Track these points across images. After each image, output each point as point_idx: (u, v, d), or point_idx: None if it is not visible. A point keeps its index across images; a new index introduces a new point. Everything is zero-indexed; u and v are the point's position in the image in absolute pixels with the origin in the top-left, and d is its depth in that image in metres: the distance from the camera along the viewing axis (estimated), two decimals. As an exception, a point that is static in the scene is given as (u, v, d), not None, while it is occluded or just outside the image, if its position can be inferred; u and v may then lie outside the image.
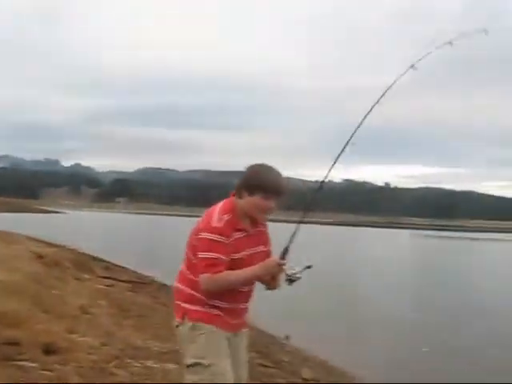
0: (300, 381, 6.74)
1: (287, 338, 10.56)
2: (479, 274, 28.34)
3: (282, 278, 3.06)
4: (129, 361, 5.97)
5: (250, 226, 3.06)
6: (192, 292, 2.99)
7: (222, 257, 2.89)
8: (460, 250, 51.53)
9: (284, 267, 3.01)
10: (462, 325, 13.81)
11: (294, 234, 3.10)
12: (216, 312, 2.98)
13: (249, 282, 3.03)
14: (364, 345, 11.23)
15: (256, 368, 6.38)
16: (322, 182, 3.35)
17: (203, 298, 2.96)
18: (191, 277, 3.01)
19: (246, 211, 3.00)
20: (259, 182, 2.96)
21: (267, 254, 3.13)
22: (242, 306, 3.09)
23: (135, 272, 17.66)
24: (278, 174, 3.03)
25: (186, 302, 3.01)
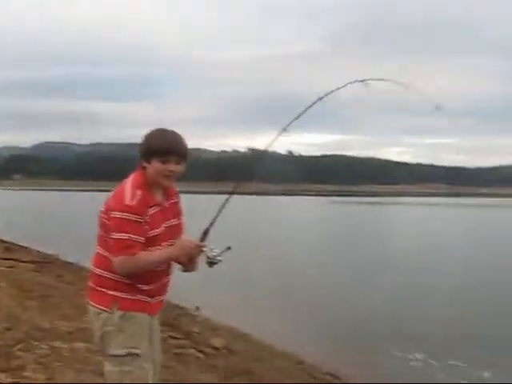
0: (209, 350, 6.86)
1: (197, 308, 10.69)
2: (386, 235, 29.96)
3: (202, 259, 2.98)
4: (35, 343, 5.83)
5: (164, 199, 2.94)
6: (118, 278, 2.83)
7: (136, 237, 2.76)
8: (366, 214, 54.21)
9: (204, 249, 2.92)
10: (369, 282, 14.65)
11: (219, 212, 3.01)
12: (146, 299, 2.88)
13: (165, 264, 2.92)
14: (277, 313, 11.63)
15: (167, 340, 6.43)
16: (263, 151, 3.26)
17: (132, 284, 2.83)
18: (108, 255, 2.85)
19: (152, 180, 2.86)
20: (150, 146, 2.84)
21: (181, 227, 3.05)
22: (165, 280, 2.99)
23: (38, 251, 17.06)
24: (171, 135, 2.88)
25: (115, 289, 2.84)
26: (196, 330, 8.07)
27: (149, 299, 2.89)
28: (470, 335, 9.82)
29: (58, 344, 6.01)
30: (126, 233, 2.73)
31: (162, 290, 2.99)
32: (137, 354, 2.79)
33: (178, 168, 2.88)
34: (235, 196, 3.10)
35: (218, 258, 2.93)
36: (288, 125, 3.14)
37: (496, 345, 9.23)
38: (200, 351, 6.62)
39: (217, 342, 7.40)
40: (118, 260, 2.75)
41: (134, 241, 2.74)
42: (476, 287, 14.70)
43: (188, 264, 2.97)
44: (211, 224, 2.99)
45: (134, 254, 2.74)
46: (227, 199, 3.07)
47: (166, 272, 2.98)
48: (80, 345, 6.08)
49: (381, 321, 10.92)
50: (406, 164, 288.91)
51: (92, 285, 2.93)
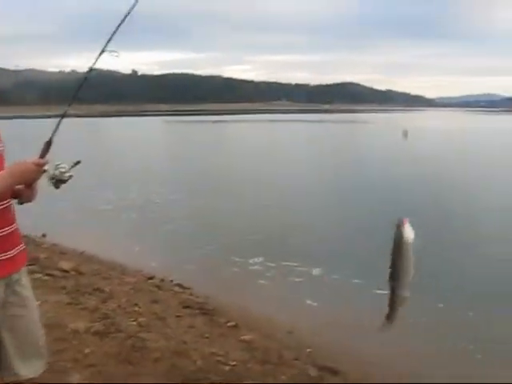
0: (57, 272, 6.91)
1: (44, 236, 10.53)
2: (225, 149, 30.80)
3: (43, 182, 2.48)
4: None
5: None
6: None
7: None
8: (206, 132, 55.05)
9: (46, 168, 2.40)
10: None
11: (56, 128, 2.56)
12: None
13: (1, 197, 2.34)
14: (122, 234, 11.81)
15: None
16: (89, 71, 2.81)
17: None
18: None
19: None
20: None
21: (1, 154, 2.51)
22: (8, 231, 2.41)
23: None
24: None
25: None
26: (43, 255, 8.01)
27: None
28: (302, 241, 10.85)
29: None
30: None
31: (9, 243, 2.42)
32: None
33: None
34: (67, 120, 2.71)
35: (68, 174, 2.47)
36: (106, 45, 2.73)
37: (325, 248, 10.26)
38: (48, 274, 6.64)
39: (65, 264, 7.44)
40: None
41: None
42: (309, 195, 15.98)
43: (23, 192, 2.47)
44: (52, 135, 2.54)
45: None
46: (59, 122, 2.63)
47: (5, 219, 2.42)
48: None
49: (223, 233, 11.56)
50: (250, 82, 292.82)
51: None
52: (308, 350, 5.70)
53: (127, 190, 17.00)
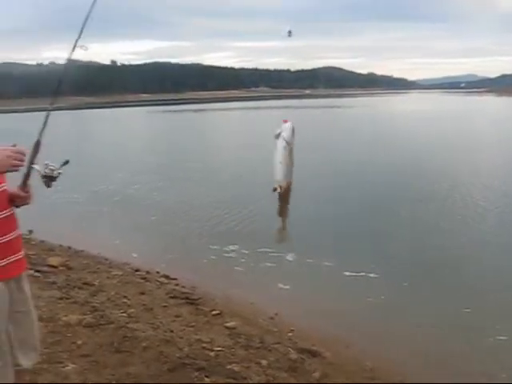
0: (47, 268, 7.15)
1: (31, 232, 10.67)
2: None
3: (33, 181, 2.66)
4: None
5: None
6: None
7: None
8: (195, 120, 55.15)
9: (35, 166, 2.62)
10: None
11: (44, 125, 2.70)
12: None
13: None
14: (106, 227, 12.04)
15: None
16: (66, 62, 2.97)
17: None
18: None
19: None
20: None
21: None
22: (10, 237, 2.60)
23: None
24: None
25: None
26: (32, 252, 8.23)
27: None
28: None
29: None
30: None
31: (11, 247, 2.62)
32: None
33: None
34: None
35: (58, 171, 2.67)
36: (78, 38, 2.86)
37: (301, 235, 10.64)
38: (37, 271, 6.88)
39: (54, 260, 7.67)
40: None
41: None
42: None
43: (18, 196, 2.68)
44: (41, 135, 2.68)
45: None
46: (46, 120, 2.74)
47: (8, 228, 2.61)
48: None
49: (199, 221, 11.90)
50: (230, 69, 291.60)
51: None
52: (289, 334, 6.04)
53: (106, 183, 17.21)
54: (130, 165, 21.51)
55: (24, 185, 2.70)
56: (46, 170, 2.64)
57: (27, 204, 2.75)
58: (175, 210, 13.00)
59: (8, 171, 2.53)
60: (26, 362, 2.81)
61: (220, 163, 21.46)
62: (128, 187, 16.38)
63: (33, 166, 2.62)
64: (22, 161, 2.50)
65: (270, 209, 12.81)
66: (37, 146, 2.62)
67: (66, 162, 2.70)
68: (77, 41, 2.85)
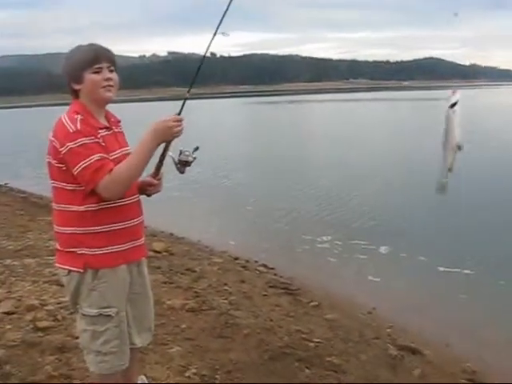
0: (151, 253, 7.40)
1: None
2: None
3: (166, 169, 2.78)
4: (-15, 263, 6.21)
5: (109, 125, 2.69)
6: (83, 231, 2.56)
7: (101, 154, 2.47)
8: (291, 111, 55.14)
9: (169, 153, 2.74)
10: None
11: (180, 111, 2.70)
12: (119, 247, 2.64)
13: (147, 159, 2.53)
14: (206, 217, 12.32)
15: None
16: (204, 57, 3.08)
17: (101, 234, 2.58)
18: (74, 208, 2.56)
19: (91, 100, 2.59)
20: (76, 60, 2.57)
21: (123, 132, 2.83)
22: (136, 222, 2.73)
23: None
24: (94, 44, 2.63)
25: (82, 246, 2.57)
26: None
27: (123, 246, 2.67)
28: (373, 221, 11.03)
29: (8, 262, 6.41)
30: (88, 156, 2.44)
31: (136, 232, 2.75)
32: (110, 315, 2.65)
33: (114, 76, 2.62)
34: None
35: (192, 156, 2.78)
36: (218, 26, 2.89)
37: (394, 228, 10.35)
38: (143, 256, 7.14)
39: (157, 246, 7.96)
40: (101, 185, 2.45)
41: (101, 158, 2.46)
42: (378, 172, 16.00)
43: (150, 184, 2.85)
44: (179, 113, 2.70)
45: (111, 170, 2.47)
46: (183, 104, 2.78)
47: (135, 211, 2.75)
48: (30, 260, 6.52)
49: (293, 212, 11.92)
50: (329, 60, 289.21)
51: (58, 246, 2.69)
52: (387, 329, 5.92)
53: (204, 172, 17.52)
54: (234, 157, 21.76)
55: (157, 172, 2.86)
56: (182, 156, 2.76)
57: (159, 192, 2.90)
58: (270, 200, 13.10)
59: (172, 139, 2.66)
60: (141, 341, 2.94)
61: (313, 157, 21.28)
62: (227, 178, 16.68)
63: (168, 153, 2.73)
64: (180, 127, 2.61)
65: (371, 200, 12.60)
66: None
67: (197, 148, 2.79)
68: (217, 27, 2.89)
